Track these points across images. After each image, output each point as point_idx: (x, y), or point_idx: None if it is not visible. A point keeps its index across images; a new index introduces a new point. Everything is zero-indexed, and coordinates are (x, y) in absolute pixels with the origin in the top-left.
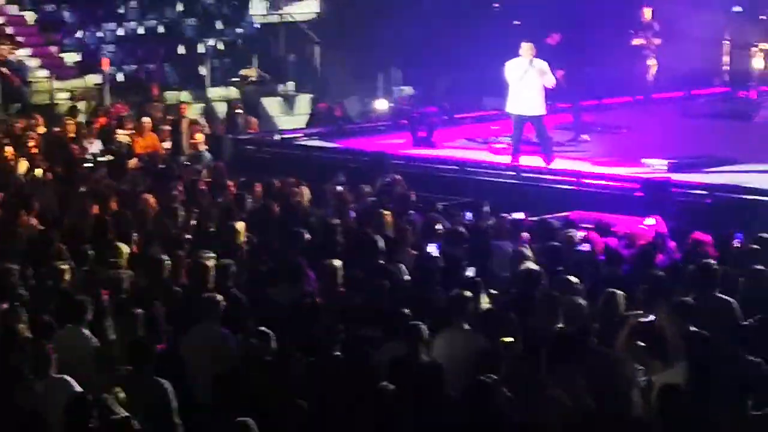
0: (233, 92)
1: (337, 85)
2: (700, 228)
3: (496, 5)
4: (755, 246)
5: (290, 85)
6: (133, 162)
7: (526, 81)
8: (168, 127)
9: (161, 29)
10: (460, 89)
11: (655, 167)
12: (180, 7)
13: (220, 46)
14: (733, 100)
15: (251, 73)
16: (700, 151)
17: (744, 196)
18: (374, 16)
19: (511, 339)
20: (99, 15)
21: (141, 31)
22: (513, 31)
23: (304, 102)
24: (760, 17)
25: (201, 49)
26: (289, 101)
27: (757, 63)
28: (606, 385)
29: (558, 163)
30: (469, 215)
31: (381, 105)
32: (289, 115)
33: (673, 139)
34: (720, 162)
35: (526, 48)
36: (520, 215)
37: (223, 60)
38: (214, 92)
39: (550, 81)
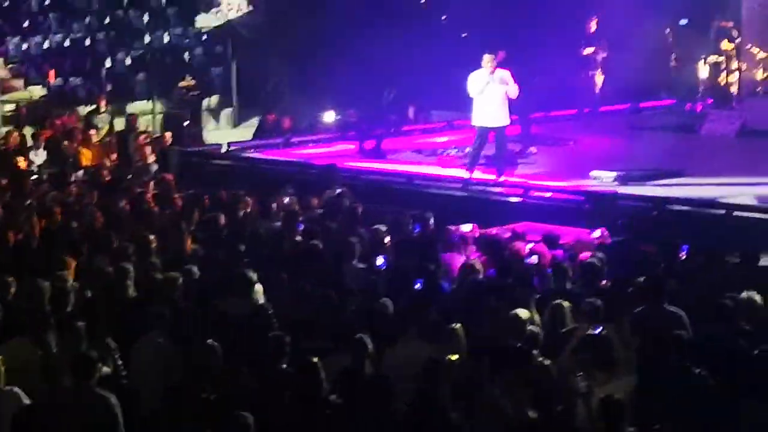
0: (159, 106)
1: (283, 97)
2: (647, 240)
3: (444, 18)
4: (701, 258)
5: (214, 99)
6: (78, 174)
7: (488, 93)
8: (114, 140)
9: (87, 42)
10: (407, 101)
11: (603, 180)
12: (106, 20)
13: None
14: (680, 113)
15: (189, 83)
16: (647, 163)
17: (690, 209)
18: (317, 28)
19: (456, 356)
20: (23, 28)
21: (67, 43)
22: (461, 42)
23: (225, 115)
24: (706, 30)
25: (128, 61)
26: (215, 114)
27: (704, 75)
28: (549, 396)
29: (506, 176)
30: (417, 227)
31: (328, 117)
32: (218, 129)
33: (620, 151)
34: (666, 174)
35: (487, 59)
36: (468, 227)
37: (153, 71)
38: (142, 106)
39: (513, 91)
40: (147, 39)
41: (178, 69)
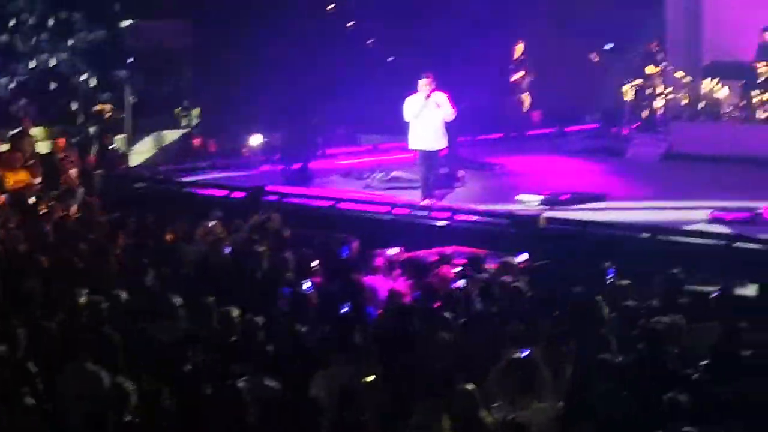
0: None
1: (211, 118)
2: (573, 264)
3: (370, 41)
4: (627, 282)
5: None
6: (1, 198)
7: (425, 116)
8: (39, 162)
9: None
10: (334, 124)
11: (529, 203)
12: None
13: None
14: (606, 137)
15: (106, 108)
16: (573, 187)
17: (615, 232)
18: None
19: (373, 376)
20: None
21: None
22: (387, 66)
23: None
24: (632, 54)
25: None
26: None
27: (629, 99)
28: (470, 421)
29: (436, 199)
30: (344, 251)
31: (255, 140)
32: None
33: (546, 175)
34: (592, 198)
35: (422, 83)
36: (394, 251)
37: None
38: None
39: (450, 113)
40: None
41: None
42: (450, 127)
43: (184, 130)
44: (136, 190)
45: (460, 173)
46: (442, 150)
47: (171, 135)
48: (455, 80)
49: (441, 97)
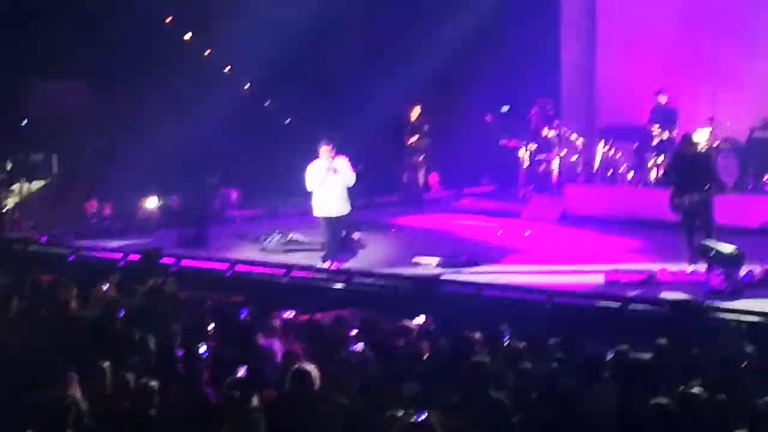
0: None
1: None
2: (470, 326)
3: (267, 103)
4: (523, 343)
5: None
6: None
7: (328, 183)
8: None
9: None
10: (230, 187)
11: (425, 265)
12: None
13: None
14: (503, 198)
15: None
16: (470, 248)
17: (511, 294)
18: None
19: None
20: None
21: None
22: (284, 128)
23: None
24: (527, 117)
25: None
26: None
27: (525, 161)
28: None
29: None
30: (241, 314)
31: (151, 203)
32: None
33: (443, 237)
34: (489, 260)
35: (323, 150)
36: (290, 314)
37: None
38: None
39: (351, 178)
40: None
41: None
42: (348, 190)
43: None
44: (30, 254)
45: (356, 235)
46: (345, 215)
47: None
48: (352, 142)
49: (342, 163)
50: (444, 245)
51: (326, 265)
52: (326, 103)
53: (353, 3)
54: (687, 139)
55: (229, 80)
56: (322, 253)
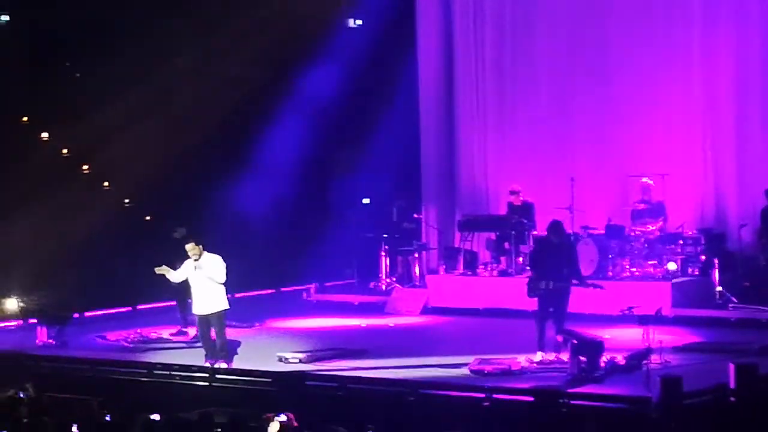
0: None
1: None
2: (335, 420)
3: (127, 202)
4: None
5: None
6: None
7: (198, 280)
8: None
9: None
10: (92, 287)
11: (289, 360)
12: None
13: None
14: (364, 291)
15: None
16: (332, 342)
17: (375, 387)
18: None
19: None
20: None
21: None
22: (145, 225)
23: None
24: (390, 209)
25: None
26: None
27: (385, 254)
28: None
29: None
30: (108, 416)
31: (11, 304)
32: None
33: (305, 331)
34: (352, 354)
35: (190, 248)
36: (155, 416)
37: None
38: None
39: (220, 276)
40: None
41: None
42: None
43: None
44: None
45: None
46: (219, 312)
47: None
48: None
49: (209, 261)
50: (307, 339)
51: (208, 364)
52: (188, 208)
53: None
54: (553, 226)
55: (88, 176)
56: (212, 357)
